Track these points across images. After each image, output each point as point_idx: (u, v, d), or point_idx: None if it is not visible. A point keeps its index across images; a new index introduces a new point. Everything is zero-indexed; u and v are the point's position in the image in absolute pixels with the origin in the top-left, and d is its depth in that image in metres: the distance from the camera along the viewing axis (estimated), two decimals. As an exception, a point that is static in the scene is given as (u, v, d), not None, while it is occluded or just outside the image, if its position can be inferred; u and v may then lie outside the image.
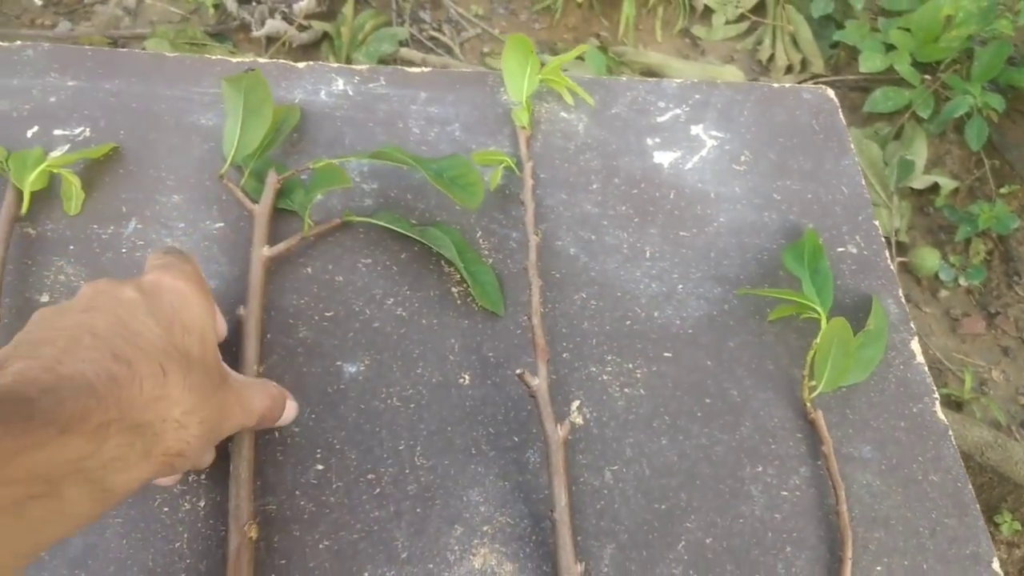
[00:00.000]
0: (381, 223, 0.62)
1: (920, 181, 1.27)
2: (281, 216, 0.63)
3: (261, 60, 0.72)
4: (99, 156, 0.63)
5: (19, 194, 0.59)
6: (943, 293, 1.20)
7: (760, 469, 0.58)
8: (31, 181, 0.59)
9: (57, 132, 0.65)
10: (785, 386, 0.62)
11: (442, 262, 0.64)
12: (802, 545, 0.56)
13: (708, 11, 1.54)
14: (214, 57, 0.72)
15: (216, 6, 1.31)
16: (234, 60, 0.71)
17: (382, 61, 1.27)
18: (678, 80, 0.76)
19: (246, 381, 0.50)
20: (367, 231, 0.64)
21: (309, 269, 0.62)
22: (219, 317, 0.53)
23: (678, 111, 0.75)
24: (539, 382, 0.56)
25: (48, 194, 0.62)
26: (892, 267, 0.69)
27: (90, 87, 0.67)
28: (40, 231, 0.60)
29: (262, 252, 0.59)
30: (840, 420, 0.61)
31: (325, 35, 1.28)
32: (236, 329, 0.57)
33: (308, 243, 0.63)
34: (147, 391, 0.38)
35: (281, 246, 0.60)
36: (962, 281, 1.21)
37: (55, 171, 0.61)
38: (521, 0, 1.46)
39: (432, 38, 1.36)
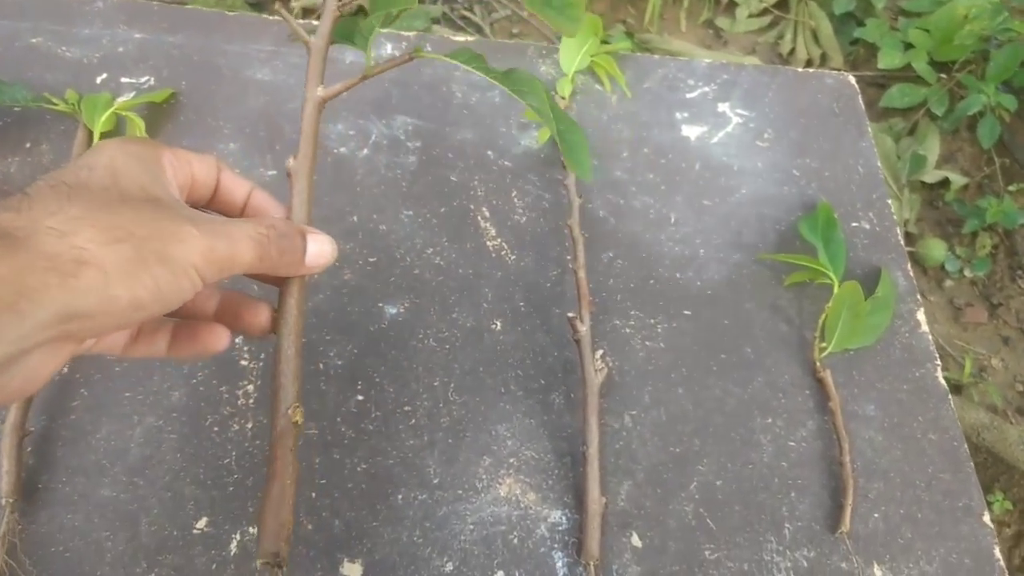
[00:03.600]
0: (456, 61, 0.52)
1: (931, 175, 1.31)
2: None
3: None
4: (161, 101, 0.67)
5: (89, 134, 0.64)
6: (948, 283, 1.24)
7: (770, 421, 0.62)
8: (100, 122, 0.63)
9: (124, 80, 0.69)
10: (796, 346, 0.66)
11: (479, 218, 0.68)
12: (806, 491, 0.60)
13: (732, 4, 1.58)
14: (272, 18, 0.76)
15: (255, -25, 1.35)
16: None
17: (415, 37, 1.30)
18: (707, 61, 0.80)
19: (226, 219, 0.38)
20: (409, 186, 0.68)
21: (355, 218, 0.66)
22: (199, 159, 0.41)
23: (706, 89, 0.78)
24: (585, 329, 0.60)
25: (114, 135, 0.66)
26: (902, 243, 0.73)
27: (155, 39, 0.71)
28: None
29: (316, 92, 0.49)
30: (847, 380, 0.65)
31: (360, 8, 1.32)
32: (286, 182, 0.50)
33: (355, 194, 0.67)
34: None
35: (338, 86, 0.50)
36: (967, 272, 1.25)
37: (122, 114, 0.65)
38: (551, -15, 1.49)
39: (463, 17, 1.39)
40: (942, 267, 1.26)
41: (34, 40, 0.69)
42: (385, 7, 0.52)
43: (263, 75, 0.71)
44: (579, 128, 0.53)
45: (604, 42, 0.76)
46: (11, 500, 0.51)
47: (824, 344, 0.65)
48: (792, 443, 0.62)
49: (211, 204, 0.42)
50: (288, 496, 0.42)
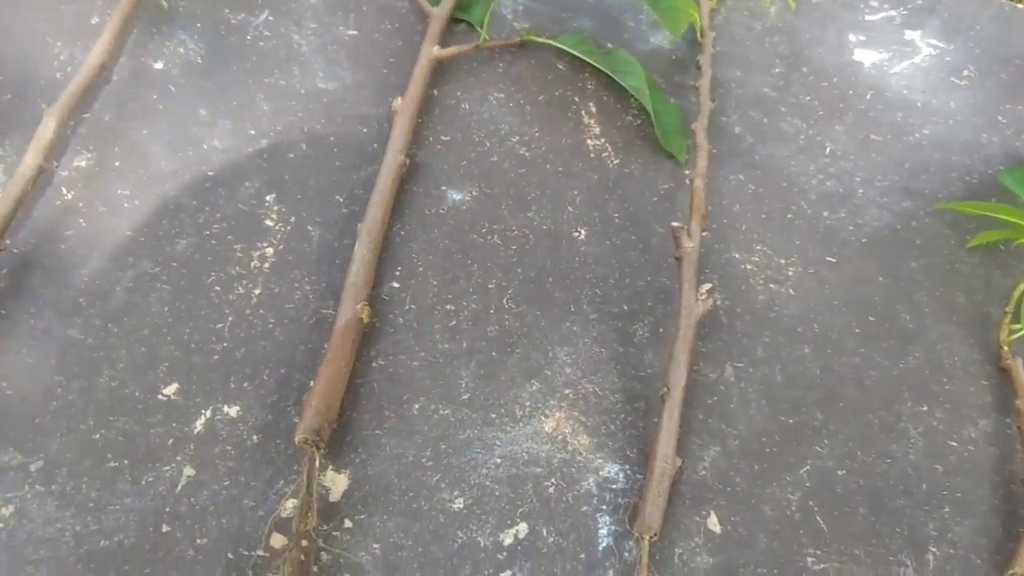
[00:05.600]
0: (563, 46, 0.56)
1: None
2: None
3: None
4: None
5: (161, -38, 0.57)
6: None
7: (925, 409, 0.46)
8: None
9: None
10: (976, 323, 0.49)
11: (583, 112, 0.56)
12: (967, 510, 0.43)
13: None
14: None
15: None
16: None
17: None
18: (899, -16, 0.65)
19: None
20: (507, 67, 0.57)
21: (435, 91, 0.55)
22: None
23: (893, 12, 0.63)
24: (692, 245, 0.46)
25: (190, -28, 0.59)
26: None
27: None
28: (172, 4, 0.57)
29: (432, 50, 0.55)
30: (1045, 378, 0.47)
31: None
32: (389, 119, 0.52)
33: (441, 67, 0.56)
34: None
35: (453, 49, 0.56)
36: None
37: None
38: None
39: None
40: None
41: None
42: None
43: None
44: (679, 110, 0.55)
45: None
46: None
47: (1017, 325, 0.48)
48: (954, 443, 0.45)
49: None
50: (341, 382, 0.42)
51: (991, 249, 0.52)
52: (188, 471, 0.41)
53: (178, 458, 0.41)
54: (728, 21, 0.61)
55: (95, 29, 0.54)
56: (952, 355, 0.48)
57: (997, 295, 0.50)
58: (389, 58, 0.57)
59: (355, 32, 0.58)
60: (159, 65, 0.54)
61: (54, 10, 0.55)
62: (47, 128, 0.48)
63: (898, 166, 0.55)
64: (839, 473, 0.44)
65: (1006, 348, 0.47)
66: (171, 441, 0.42)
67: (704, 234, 0.50)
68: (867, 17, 0.62)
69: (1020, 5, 0.64)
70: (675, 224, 0.47)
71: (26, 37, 0.54)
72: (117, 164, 0.50)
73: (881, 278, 0.50)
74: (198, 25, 0.57)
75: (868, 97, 0.58)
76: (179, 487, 0.41)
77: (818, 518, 0.42)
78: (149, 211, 0.49)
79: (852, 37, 0.61)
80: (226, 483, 0.41)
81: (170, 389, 0.43)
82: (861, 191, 0.54)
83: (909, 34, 0.62)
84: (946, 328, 0.49)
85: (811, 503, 0.43)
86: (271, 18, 0.58)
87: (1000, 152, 0.56)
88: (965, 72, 0.60)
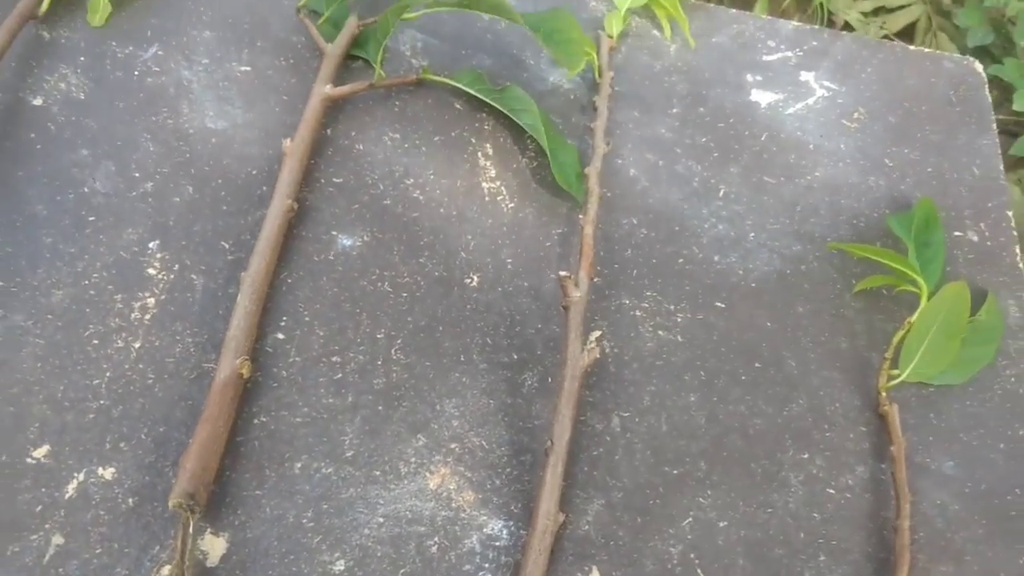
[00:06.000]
0: (459, 84, 0.56)
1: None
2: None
3: None
4: (138, -24, 0.58)
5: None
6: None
7: (806, 456, 0.47)
8: (60, -17, 0.54)
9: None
10: (856, 369, 0.50)
11: (479, 154, 0.55)
12: (841, 557, 0.44)
13: (848, 28, 1.42)
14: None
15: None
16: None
17: None
18: (795, 23, 0.66)
19: None
20: (403, 105, 0.56)
21: (328, 131, 0.54)
22: None
23: (789, 54, 0.64)
24: (579, 295, 0.47)
25: (73, 1, 0.56)
26: (1020, 265, 0.56)
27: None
28: (54, 36, 0.55)
29: (324, 89, 0.54)
30: (920, 423, 0.49)
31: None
32: (278, 160, 0.51)
33: (335, 105, 0.55)
34: None
35: (346, 88, 0.54)
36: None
37: (86, -21, 0.56)
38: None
39: None
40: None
41: None
42: (397, 15, 0.55)
43: (262, -36, 0.61)
44: (573, 148, 0.55)
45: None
46: None
47: (896, 371, 0.49)
48: (832, 491, 0.46)
49: None
50: (218, 442, 0.41)
51: (875, 294, 0.53)
52: (57, 539, 0.40)
53: (47, 526, 0.40)
54: (628, 60, 0.62)
55: (-31, 64, 0.52)
56: (834, 401, 0.49)
57: (878, 341, 0.51)
58: (283, 96, 0.55)
59: (248, 68, 0.56)
60: (38, 101, 0.52)
61: (-75, 42, 0.53)
62: (-91, 174, 0.45)
63: (789, 209, 0.56)
64: (721, 524, 0.44)
65: (884, 394, 0.49)
66: (40, 508, 0.40)
67: (595, 280, 0.51)
68: (764, 57, 0.63)
69: (911, 47, 0.66)
70: (563, 273, 0.47)
71: None
72: (-12, 209, 0.48)
73: (769, 323, 0.51)
74: (81, 59, 0.55)
75: (763, 138, 0.59)
76: (47, 557, 0.39)
77: (699, 571, 0.43)
78: (22, 259, 0.47)
79: (750, 77, 0.62)
80: (98, 551, 0.40)
81: (40, 451, 0.42)
82: (752, 235, 0.55)
83: (804, 75, 0.63)
84: (829, 374, 0.50)
85: (692, 555, 0.43)
86: (160, 52, 0.56)
87: (886, 195, 0.58)
88: (855, 114, 0.61)
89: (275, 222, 0.48)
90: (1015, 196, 1.14)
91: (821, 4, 1.36)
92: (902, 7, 1.42)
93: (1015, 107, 1.22)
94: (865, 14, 1.41)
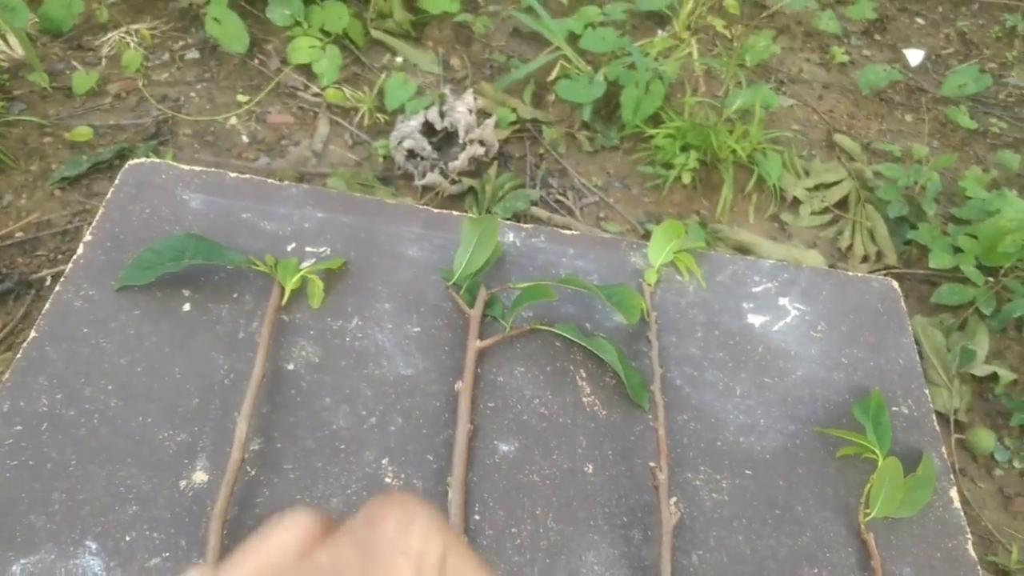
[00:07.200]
0: (563, 333, 0.83)
1: (980, 369, 1.41)
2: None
3: (455, 213, 0.95)
4: (335, 268, 0.86)
5: (282, 290, 0.82)
6: (998, 472, 1.32)
7: (816, 571, 0.73)
8: (292, 281, 0.82)
9: (308, 249, 0.88)
10: (843, 509, 0.77)
11: (577, 377, 0.83)
12: (847, 636, 0.70)
13: (796, 202, 1.76)
14: (420, 206, 0.95)
15: (385, 157, 1.60)
16: (434, 211, 0.95)
17: (515, 216, 1.51)
18: (771, 261, 0.97)
19: None
20: (524, 346, 0.84)
21: (479, 370, 0.82)
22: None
23: (770, 285, 0.94)
24: (663, 477, 0.74)
25: (298, 293, 0.84)
26: (937, 428, 0.85)
27: (332, 219, 0.91)
28: (291, 318, 0.82)
29: (475, 343, 0.81)
30: (887, 543, 0.76)
31: (471, 189, 1.54)
32: (454, 396, 0.78)
33: (500, 344, 0.83)
34: None
35: (489, 341, 0.82)
36: (1016, 463, 1.33)
37: (307, 276, 0.83)
38: (634, 177, 1.71)
39: (557, 201, 1.61)
40: (992, 456, 1.34)
41: (244, 215, 0.89)
42: (532, 298, 0.83)
43: (413, 252, 0.90)
44: (638, 372, 0.83)
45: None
46: None
47: (868, 510, 0.76)
48: (836, 592, 0.72)
49: None
50: None
51: (851, 458, 0.81)
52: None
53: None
54: (662, 299, 0.91)
55: (245, 342, 0.79)
56: (829, 532, 0.76)
57: (855, 488, 0.79)
58: (444, 347, 0.83)
59: (419, 329, 0.84)
60: (291, 367, 0.79)
61: (210, 330, 0.80)
62: (240, 429, 0.71)
63: (783, 400, 0.85)
64: (769, 620, 0.70)
65: (863, 526, 0.76)
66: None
67: (668, 463, 0.78)
68: (753, 289, 0.93)
69: (850, 272, 0.97)
70: (651, 464, 0.74)
71: (195, 354, 0.78)
72: (278, 446, 0.74)
73: (781, 482, 0.79)
74: (311, 332, 0.82)
75: (760, 350, 0.88)
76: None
77: (760, 651, 0.68)
78: (307, 479, 0.72)
79: (745, 305, 0.92)
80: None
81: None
82: (762, 421, 0.83)
83: (781, 300, 0.93)
84: (825, 514, 0.77)
85: (755, 642, 0.69)
86: (360, 322, 0.83)
87: (846, 385, 0.87)
88: (819, 326, 0.91)
89: (463, 441, 0.75)
90: (937, 337, 1.45)
91: (775, 184, 1.70)
92: (836, 183, 1.77)
93: (930, 265, 1.55)
94: (809, 189, 1.76)
